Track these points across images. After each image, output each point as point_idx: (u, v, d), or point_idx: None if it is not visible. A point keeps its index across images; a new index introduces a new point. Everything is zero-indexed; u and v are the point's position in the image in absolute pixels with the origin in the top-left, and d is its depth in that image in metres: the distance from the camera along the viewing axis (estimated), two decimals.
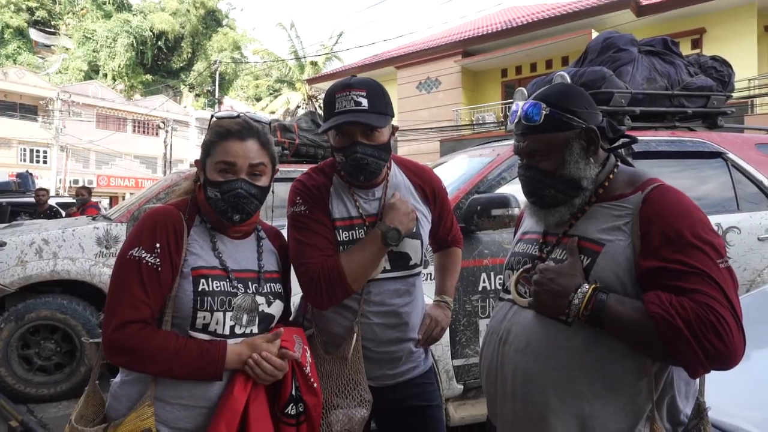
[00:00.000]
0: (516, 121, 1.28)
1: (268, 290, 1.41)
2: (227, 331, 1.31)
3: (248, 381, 1.29)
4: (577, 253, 1.14)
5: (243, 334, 1.33)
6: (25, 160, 29.11)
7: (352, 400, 1.49)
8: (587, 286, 1.10)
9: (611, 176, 1.26)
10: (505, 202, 2.47)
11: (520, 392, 1.21)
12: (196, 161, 1.44)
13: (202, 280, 1.30)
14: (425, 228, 1.66)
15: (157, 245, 1.28)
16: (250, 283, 1.38)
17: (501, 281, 2.68)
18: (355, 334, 1.51)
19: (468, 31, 17.20)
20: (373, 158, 1.49)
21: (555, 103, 1.23)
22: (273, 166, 1.43)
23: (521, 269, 1.31)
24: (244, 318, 1.33)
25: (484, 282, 2.63)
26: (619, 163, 1.30)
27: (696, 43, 12.89)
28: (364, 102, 1.46)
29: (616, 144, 1.33)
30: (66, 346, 4.10)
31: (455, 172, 3.10)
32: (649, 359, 1.11)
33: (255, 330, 1.36)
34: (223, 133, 1.35)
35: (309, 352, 1.42)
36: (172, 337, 1.25)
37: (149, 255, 1.27)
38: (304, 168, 5.08)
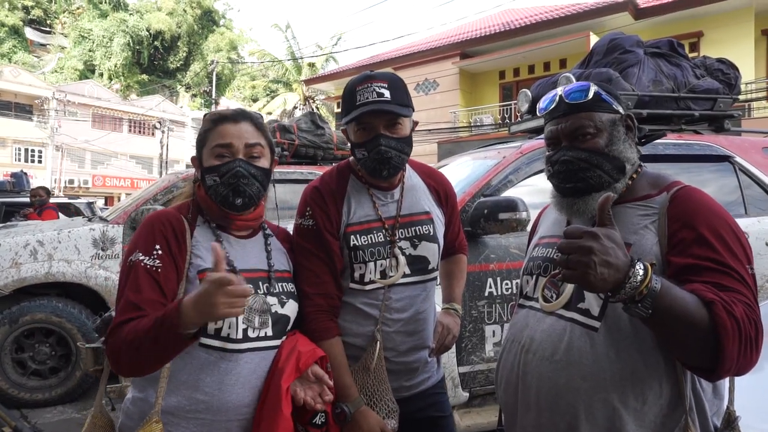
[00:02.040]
0: (553, 106, 1.24)
1: (280, 290, 1.35)
2: (240, 335, 1.24)
3: (289, 394, 1.24)
4: (609, 214, 0.96)
5: (257, 338, 1.27)
6: (20, 160, 28.91)
7: (379, 412, 1.44)
8: (643, 263, 0.93)
9: (635, 176, 1.24)
10: (512, 205, 2.42)
11: (546, 403, 1.15)
12: (193, 158, 1.39)
13: None
14: (441, 231, 1.62)
15: (157, 247, 1.22)
16: (260, 283, 1.31)
17: (516, 288, 2.63)
18: (378, 342, 1.47)
19: (466, 32, 17.19)
20: (397, 151, 1.45)
21: (599, 86, 1.23)
22: (271, 151, 1.39)
23: (550, 274, 1.25)
24: (256, 320, 1.27)
25: (490, 287, 2.58)
26: (642, 165, 1.27)
27: (694, 47, 12.90)
28: (387, 93, 1.43)
29: (647, 136, 1.30)
30: (61, 349, 4.02)
31: (459, 175, 3.05)
32: (680, 366, 1.06)
33: (269, 332, 1.29)
34: (216, 119, 1.33)
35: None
36: (142, 319, 1.14)
37: (147, 258, 1.21)
38: (304, 169, 5.03)
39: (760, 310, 1.02)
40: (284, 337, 1.34)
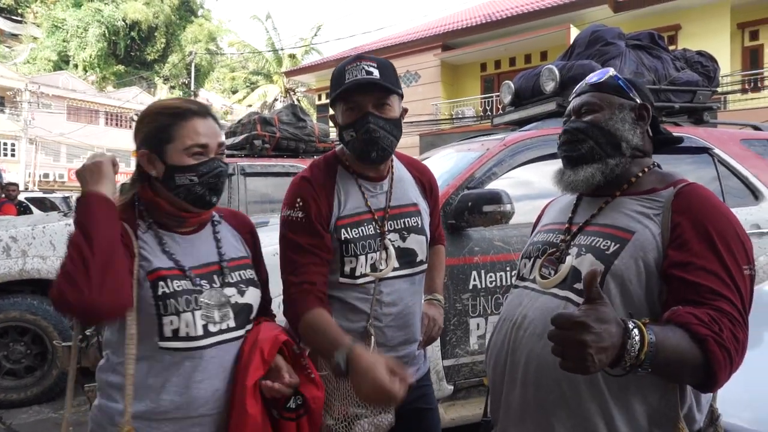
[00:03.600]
0: (577, 92, 1.34)
1: (238, 279, 1.31)
2: (200, 332, 1.21)
3: (256, 391, 1.21)
4: (598, 288, 0.91)
5: (220, 331, 1.24)
6: None
7: (375, 407, 1.41)
8: (633, 327, 0.91)
9: (645, 171, 1.26)
10: (496, 198, 2.41)
11: (532, 379, 1.15)
12: (143, 153, 1.26)
13: (161, 283, 1.20)
14: (428, 223, 1.61)
15: None
16: (215, 276, 1.28)
17: (500, 281, 2.62)
18: (371, 337, 1.45)
19: (448, 24, 17.17)
20: (385, 132, 1.42)
21: (620, 76, 1.31)
22: None
23: (548, 252, 1.27)
24: (216, 314, 1.24)
25: (474, 280, 2.57)
26: (654, 164, 1.30)
27: (671, 40, 13.07)
28: (375, 72, 1.40)
29: (665, 140, 1.34)
30: (36, 348, 3.92)
31: (443, 167, 3.03)
32: None
33: (232, 324, 1.26)
34: (181, 113, 1.25)
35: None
36: None
37: None
38: (285, 162, 4.97)
39: (746, 316, 1.03)
40: (249, 326, 1.32)
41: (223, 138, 1.32)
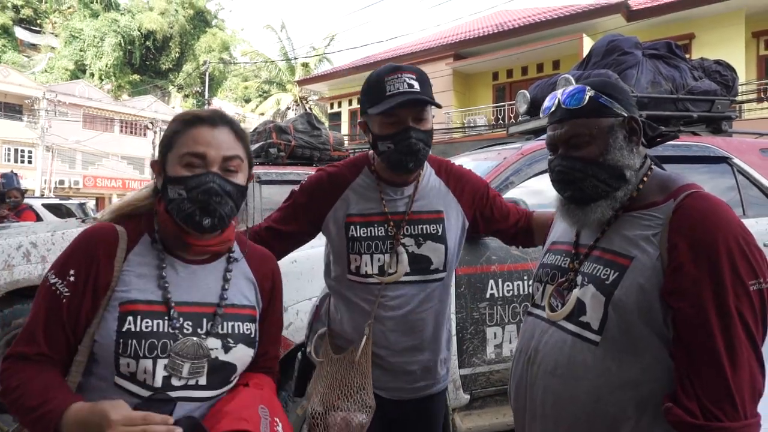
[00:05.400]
0: (553, 109, 1.22)
1: (228, 331, 1.12)
2: (159, 383, 1.04)
3: None
4: None
5: (185, 386, 1.06)
6: (9, 160, 28.67)
7: (353, 404, 1.45)
8: None
9: (645, 179, 1.18)
10: None
11: (551, 415, 1.15)
12: (153, 163, 1.16)
13: (130, 318, 1.05)
14: (454, 231, 1.58)
15: (71, 272, 1.06)
16: (204, 320, 1.10)
17: (517, 289, 2.62)
18: (365, 337, 1.47)
19: (460, 33, 17.24)
20: (424, 143, 1.46)
21: (598, 89, 1.17)
22: (250, 163, 1.18)
23: (556, 283, 1.24)
24: (186, 368, 1.05)
25: (492, 289, 2.57)
26: (653, 166, 1.23)
27: (685, 49, 13.01)
28: (416, 85, 1.42)
29: (662, 136, 1.29)
30: None
31: None
32: None
33: (202, 381, 1.07)
34: (190, 120, 1.11)
35: (281, 425, 1.10)
36: (36, 376, 1.02)
37: (59, 281, 1.06)
38: (300, 170, 5.00)
39: (743, 343, 0.96)
40: (226, 388, 1.13)
41: (235, 151, 1.12)
